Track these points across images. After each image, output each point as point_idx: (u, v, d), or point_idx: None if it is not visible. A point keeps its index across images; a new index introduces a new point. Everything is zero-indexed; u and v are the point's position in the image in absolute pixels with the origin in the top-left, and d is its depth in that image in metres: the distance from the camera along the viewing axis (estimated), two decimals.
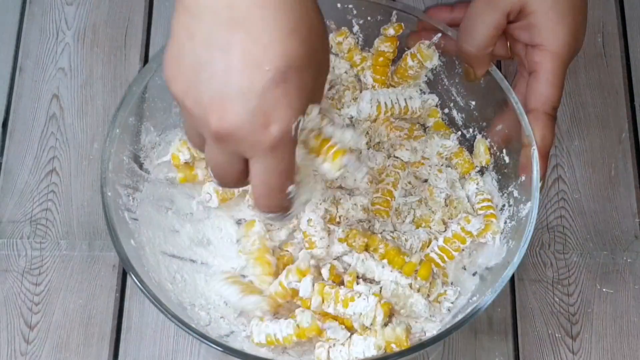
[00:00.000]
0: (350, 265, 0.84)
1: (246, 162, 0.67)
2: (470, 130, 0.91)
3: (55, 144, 1.01)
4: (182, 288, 0.84)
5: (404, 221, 0.88)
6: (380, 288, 0.82)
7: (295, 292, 0.82)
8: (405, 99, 0.89)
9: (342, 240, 0.84)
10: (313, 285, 0.81)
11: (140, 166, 0.87)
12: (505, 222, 0.85)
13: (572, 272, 0.96)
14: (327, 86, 0.83)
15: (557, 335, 0.93)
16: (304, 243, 0.85)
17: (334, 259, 0.85)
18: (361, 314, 0.79)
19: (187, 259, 0.87)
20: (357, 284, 0.82)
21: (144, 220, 0.85)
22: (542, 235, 0.97)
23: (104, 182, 0.81)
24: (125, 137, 0.85)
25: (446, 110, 0.92)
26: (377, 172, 0.88)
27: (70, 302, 0.94)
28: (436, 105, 0.92)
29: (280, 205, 0.69)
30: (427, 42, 0.88)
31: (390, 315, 0.81)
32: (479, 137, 0.90)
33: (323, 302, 0.80)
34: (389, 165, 0.88)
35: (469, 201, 0.89)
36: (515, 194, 0.85)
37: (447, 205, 0.89)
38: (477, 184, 0.89)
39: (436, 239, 0.86)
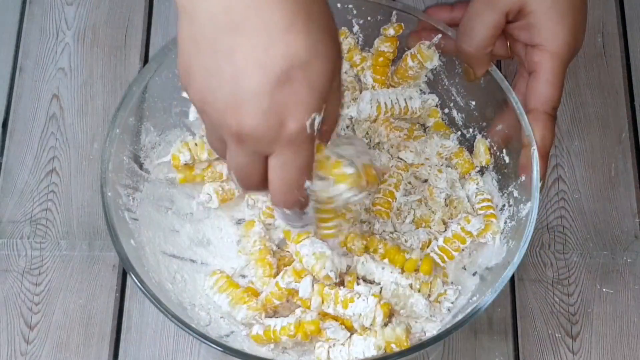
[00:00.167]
0: (349, 266, 0.84)
1: (266, 163, 0.68)
2: (470, 130, 0.91)
3: (55, 144, 1.01)
4: (182, 288, 0.84)
5: (404, 221, 0.88)
6: (381, 288, 0.82)
7: (292, 293, 0.83)
8: (405, 99, 0.89)
9: (341, 244, 0.84)
10: (312, 285, 0.81)
11: (140, 166, 0.87)
12: (505, 222, 0.85)
13: (572, 272, 0.96)
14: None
15: (557, 335, 0.93)
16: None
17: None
18: (361, 314, 0.79)
19: (187, 259, 0.87)
20: (357, 284, 0.82)
21: (144, 220, 0.85)
22: (542, 235, 0.97)
23: (104, 182, 0.81)
24: (125, 137, 0.85)
25: (446, 110, 0.92)
26: (380, 172, 0.88)
27: (70, 302, 0.94)
28: (436, 105, 0.92)
29: (296, 201, 0.70)
30: (427, 42, 0.88)
31: (390, 315, 0.81)
32: (479, 137, 0.90)
33: (323, 302, 0.80)
34: (392, 166, 0.88)
35: (469, 201, 0.89)
36: (515, 194, 0.85)
37: (447, 205, 0.89)
38: (477, 184, 0.89)
39: (436, 239, 0.86)
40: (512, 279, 0.95)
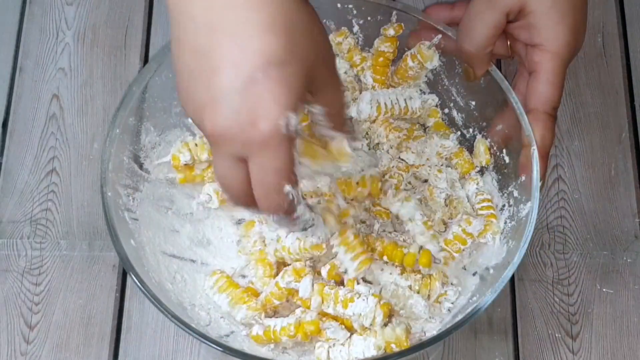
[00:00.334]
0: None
1: (247, 169, 0.67)
2: (470, 130, 0.91)
3: (55, 144, 1.01)
4: (182, 288, 0.84)
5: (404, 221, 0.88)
6: (381, 289, 0.82)
7: (292, 293, 0.83)
8: (405, 100, 0.89)
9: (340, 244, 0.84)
10: (312, 285, 0.81)
11: (140, 166, 0.87)
12: (505, 222, 0.85)
13: (572, 272, 0.96)
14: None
15: (557, 335, 0.93)
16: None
17: (333, 258, 0.85)
18: (360, 314, 0.79)
19: (187, 259, 0.87)
20: (357, 283, 0.82)
21: (144, 220, 0.85)
22: (542, 235, 0.97)
23: (104, 182, 0.81)
24: (125, 137, 0.85)
25: (446, 110, 0.92)
26: (381, 173, 0.88)
27: (70, 302, 0.94)
28: (436, 105, 0.92)
29: (279, 205, 0.68)
30: (427, 42, 0.88)
31: (390, 315, 0.81)
32: (479, 137, 0.90)
33: (323, 302, 0.80)
34: (393, 167, 0.88)
35: (469, 201, 0.89)
36: (515, 194, 0.85)
37: (447, 205, 0.89)
38: (477, 184, 0.89)
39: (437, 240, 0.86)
40: (512, 279, 0.95)
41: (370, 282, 0.83)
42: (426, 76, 0.91)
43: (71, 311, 0.94)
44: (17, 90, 1.04)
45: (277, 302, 0.83)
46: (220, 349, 0.76)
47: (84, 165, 1.00)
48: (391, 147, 0.90)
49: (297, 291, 0.82)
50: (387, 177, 0.87)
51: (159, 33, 1.07)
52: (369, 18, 0.90)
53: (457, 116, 0.92)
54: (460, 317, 0.79)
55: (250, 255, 0.86)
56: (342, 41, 0.91)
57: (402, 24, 0.89)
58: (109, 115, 1.02)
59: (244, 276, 0.86)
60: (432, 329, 0.82)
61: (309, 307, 0.81)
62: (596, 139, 1.02)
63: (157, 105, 0.87)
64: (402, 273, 0.83)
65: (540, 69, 0.82)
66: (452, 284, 0.85)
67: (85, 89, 1.04)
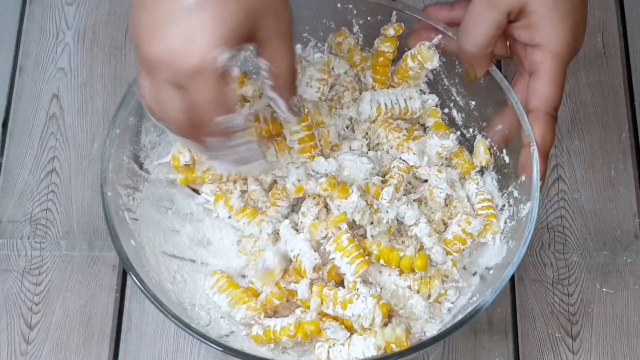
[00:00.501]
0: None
1: (178, 95, 0.70)
2: (470, 130, 0.91)
3: (55, 144, 1.01)
4: (182, 288, 0.84)
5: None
6: (381, 289, 0.82)
7: (292, 293, 0.83)
8: (405, 100, 0.89)
9: (336, 250, 0.84)
10: (311, 287, 0.81)
11: (140, 166, 0.87)
12: (505, 222, 0.85)
13: (572, 272, 0.96)
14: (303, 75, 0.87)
15: (557, 335, 0.93)
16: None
17: (332, 259, 0.85)
18: (360, 315, 0.79)
19: (187, 259, 0.87)
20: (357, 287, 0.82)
21: (144, 220, 0.85)
22: (542, 235, 0.97)
23: (104, 182, 0.81)
24: (125, 137, 0.85)
25: (446, 110, 0.92)
26: (381, 174, 0.88)
27: (70, 302, 0.94)
28: (436, 105, 0.92)
29: (210, 133, 0.72)
30: (427, 43, 0.88)
31: (390, 315, 0.81)
32: (479, 137, 0.90)
33: (322, 303, 0.80)
34: (394, 167, 0.88)
35: (469, 201, 0.89)
36: (515, 194, 0.85)
37: (447, 206, 0.89)
38: (477, 184, 0.89)
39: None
40: (512, 279, 0.95)
41: (370, 283, 0.83)
42: (426, 76, 0.91)
43: (71, 311, 0.94)
44: (17, 90, 1.04)
45: (277, 302, 0.83)
46: (220, 349, 0.76)
47: (84, 165, 1.00)
48: (391, 148, 0.90)
49: (297, 291, 0.82)
50: (387, 177, 0.87)
51: None
52: (369, 18, 0.90)
53: (457, 116, 0.92)
54: (460, 317, 0.79)
55: (250, 255, 0.86)
56: (342, 41, 0.91)
57: (402, 24, 0.89)
58: (109, 115, 1.02)
59: (244, 276, 0.86)
60: (432, 329, 0.82)
61: (308, 308, 0.81)
62: (596, 139, 1.02)
63: None
64: (400, 274, 0.83)
65: (541, 69, 0.82)
66: (457, 282, 0.85)
67: (85, 89, 1.04)
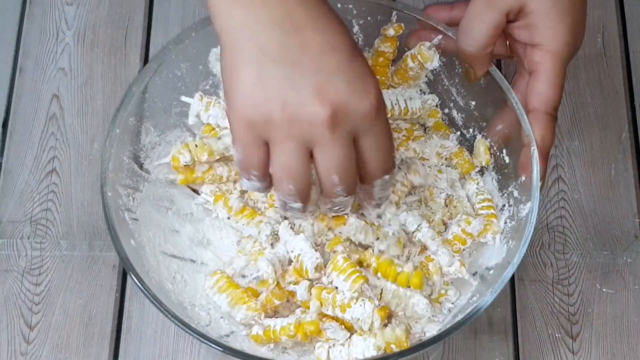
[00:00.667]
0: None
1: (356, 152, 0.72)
2: (470, 130, 0.91)
3: (55, 144, 1.01)
4: (182, 288, 0.84)
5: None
6: (382, 290, 0.82)
7: (292, 293, 0.83)
8: (405, 100, 0.89)
9: (333, 270, 0.83)
10: (310, 289, 0.81)
11: (141, 166, 0.87)
12: (506, 222, 0.85)
13: (572, 272, 0.96)
14: None
15: (557, 335, 0.93)
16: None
17: (330, 281, 0.84)
18: (359, 319, 0.79)
19: (187, 259, 0.87)
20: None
21: (144, 220, 0.85)
22: (542, 235, 0.97)
23: (104, 182, 0.81)
24: (125, 137, 0.85)
25: (446, 110, 0.92)
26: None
27: (70, 302, 0.94)
28: (436, 106, 0.92)
29: (393, 165, 0.75)
30: (427, 43, 0.88)
31: (389, 316, 0.81)
32: (479, 137, 0.90)
33: (321, 305, 0.80)
34: (397, 182, 0.87)
35: (469, 201, 0.89)
36: (515, 194, 0.85)
37: (447, 206, 0.89)
38: (477, 184, 0.89)
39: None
40: (512, 279, 0.95)
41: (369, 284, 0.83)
42: (426, 76, 0.91)
43: (71, 311, 0.94)
44: (17, 90, 1.04)
45: (277, 302, 0.83)
46: (221, 349, 0.76)
47: (84, 165, 1.00)
48: (403, 165, 0.90)
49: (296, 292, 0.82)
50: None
51: (159, 33, 1.07)
52: (369, 18, 0.90)
53: (457, 116, 0.92)
54: (460, 317, 0.79)
55: (250, 255, 0.86)
56: None
57: (402, 24, 0.89)
58: (109, 115, 1.02)
59: (244, 276, 0.86)
60: (432, 329, 0.82)
61: (308, 308, 0.81)
62: (596, 139, 1.02)
63: (157, 105, 0.87)
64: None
65: (541, 68, 0.82)
66: (451, 283, 0.85)
67: (85, 89, 1.04)
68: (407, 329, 0.80)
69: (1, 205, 0.98)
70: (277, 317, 0.83)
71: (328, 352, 0.80)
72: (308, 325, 0.79)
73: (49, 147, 1.01)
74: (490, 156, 0.89)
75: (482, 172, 0.90)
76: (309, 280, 0.82)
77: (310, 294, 0.81)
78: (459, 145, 0.91)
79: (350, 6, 0.90)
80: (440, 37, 0.88)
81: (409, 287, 0.81)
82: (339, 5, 0.89)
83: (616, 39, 1.07)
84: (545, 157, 0.83)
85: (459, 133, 0.92)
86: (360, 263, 0.82)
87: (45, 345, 0.92)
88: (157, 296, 0.77)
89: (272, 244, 0.86)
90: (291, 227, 0.84)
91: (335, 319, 0.81)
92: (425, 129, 0.93)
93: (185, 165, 0.86)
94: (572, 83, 1.04)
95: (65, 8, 1.08)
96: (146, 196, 0.87)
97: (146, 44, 1.07)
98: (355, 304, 0.79)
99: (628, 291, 0.95)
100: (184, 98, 0.88)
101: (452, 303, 0.84)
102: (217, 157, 0.86)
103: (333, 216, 0.83)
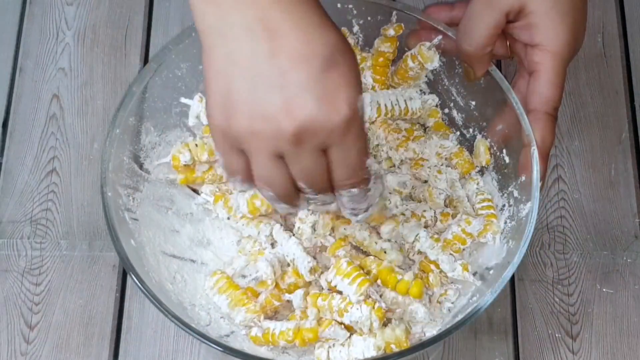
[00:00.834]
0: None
1: (326, 160, 0.69)
2: (470, 130, 0.91)
3: (55, 144, 1.01)
4: (182, 288, 0.84)
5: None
6: (381, 295, 0.82)
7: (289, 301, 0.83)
8: (405, 100, 0.89)
9: (337, 275, 0.83)
10: (305, 296, 0.81)
11: (141, 166, 0.87)
12: (506, 222, 0.85)
13: (572, 272, 0.96)
14: None
15: (557, 335, 0.93)
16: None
17: (334, 286, 0.84)
18: (357, 322, 0.79)
19: (187, 259, 0.87)
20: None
21: (144, 220, 0.85)
22: (542, 235, 0.97)
23: (104, 182, 0.81)
24: (125, 137, 0.85)
25: (446, 110, 0.92)
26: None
27: (70, 302, 0.94)
28: (436, 106, 0.92)
29: (362, 181, 0.71)
30: (427, 43, 0.88)
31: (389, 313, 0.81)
32: (479, 137, 0.90)
33: (319, 312, 0.81)
34: (391, 191, 0.87)
35: (469, 201, 0.89)
36: (515, 194, 0.85)
37: (447, 206, 0.89)
38: (477, 184, 0.89)
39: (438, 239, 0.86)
40: (512, 279, 0.95)
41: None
42: (426, 76, 0.91)
43: (71, 311, 0.94)
44: (17, 90, 1.04)
45: (277, 304, 0.83)
46: (221, 349, 0.76)
47: (84, 165, 1.00)
48: (391, 149, 0.90)
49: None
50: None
51: (159, 33, 1.07)
52: (369, 18, 0.90)
53: (457, 116, 0.92)
54: (460, 317, 0.79)
55: (250, 255, 0.86)
56: None
57: (402, 24, 0.89)
58: (109, 115, 1.02)
59: (244, 276, 0.86)
60: (432, 329, 0.82)
61: (307, 317, 0.81)
62: (596, 139, 1.02)
63: (157, 105, 0.87)
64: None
65: (541, 69, 0.82)
66: (451, 283, 0.85)
67: (85, 89, 1.04)
68: (407, 329, 0.80)
69: (1, 205, 0.98)
70: (277, 318, 0.83)
71: (328, 352, 0.80)
72: (307, 332, 0.80)
73: (49, 147, 1.01)
74: (490, 156, 0.89)
75: (482, 172, 0.90)
76: (307, 282, 0.82)
77: (307, 302, 0.81)
78: (458, 145, 0.91)
79: (350, 6, 0.90)
80: (440, 37, 0.88)
81: (408, 295, 0.81)
82: (339, 5, 0.89)
83: (616, 39, 1.07)
84: (545, 157, 0.83)
85: (459, 133, 0.92)
86: (360, 269, 0.82)
87: (45, 345, 0.92)
88: (157, 296, 0.77)
89: (272, 244, 0.86)
90: (290, 230, 0.85)
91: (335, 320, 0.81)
92: (425, 129, 0.93)
93: (185, 165, 0.86)
94: (572, 83, 1.04)
95: (65, 8, 1.08)
96: (146, 196, 0.87)
97: (146, 44, 1.07)
98: (352, 307, 0.79)
99: (628, 291, 0.95)
100: (183, 100, 0.88)
101: (452, 303, 0.84)
102: (217, 157, 0.86)
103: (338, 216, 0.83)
